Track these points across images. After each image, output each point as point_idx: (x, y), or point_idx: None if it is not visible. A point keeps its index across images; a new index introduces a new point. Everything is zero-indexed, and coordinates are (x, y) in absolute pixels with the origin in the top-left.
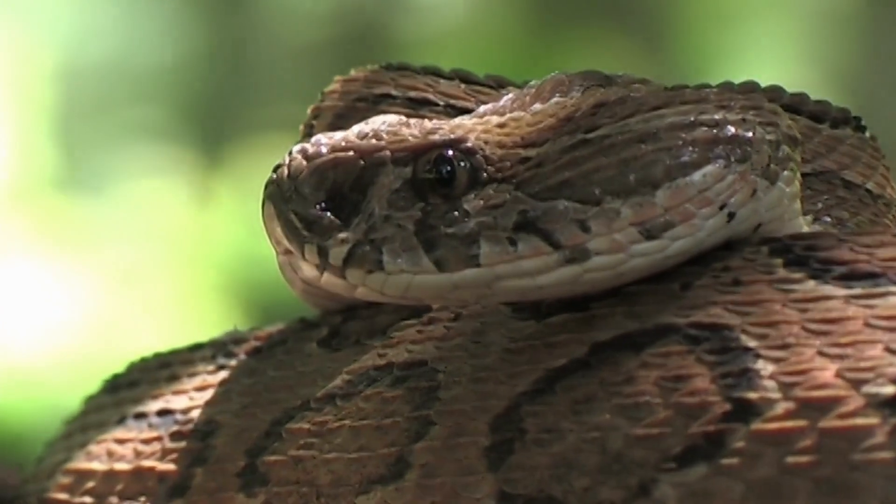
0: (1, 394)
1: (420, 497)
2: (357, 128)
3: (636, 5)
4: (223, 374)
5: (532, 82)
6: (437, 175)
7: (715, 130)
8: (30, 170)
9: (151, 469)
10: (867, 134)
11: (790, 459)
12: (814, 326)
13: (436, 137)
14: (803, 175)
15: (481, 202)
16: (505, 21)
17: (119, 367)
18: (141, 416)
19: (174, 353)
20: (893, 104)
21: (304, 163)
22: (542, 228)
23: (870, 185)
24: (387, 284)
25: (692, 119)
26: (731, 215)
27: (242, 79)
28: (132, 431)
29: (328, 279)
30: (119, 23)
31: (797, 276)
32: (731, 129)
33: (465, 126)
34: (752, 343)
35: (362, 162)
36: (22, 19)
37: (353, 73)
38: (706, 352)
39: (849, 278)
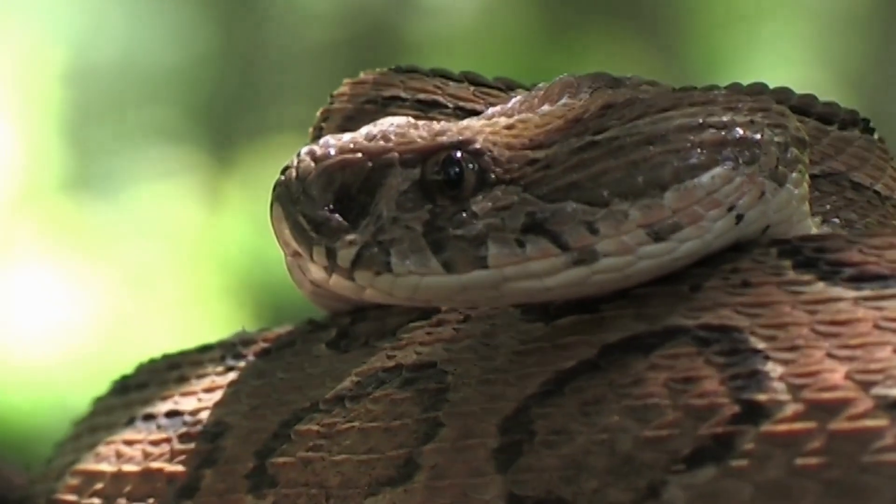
0: (10, 394)
1: (429, 499)
2: (365, 129)
3: (647, 7)
4: (232, 376)
5: (540, 84)
6: (445, 176)
7: (723, 132)
8: (40, 171)
9: (160, 470)
10: (876, 136)
11: (799, 461)
12: (823, 328)
13: (444, 139)
14: (812, 177)
15: (489, 204)
16: (515, 22)
17: (128, 368)
18: (150, 417)
19: (183, 355)
20: None
21: (313, 164)
22: (551, 230)
23: (878, 187)
24: (395, 286)
25: (700, 121)
26: (739, 217)
27: (253, 80)
28: (141, 433)
29: (336, 281)
30: (129, 24)
31: (806, 277)
32: (740, 131)
33: (473, 128)
34: (761, 345)
35: (370, 163)
36: (32, 20)
37: (361, 75)
38: (715, 353)
39: (858, 280)
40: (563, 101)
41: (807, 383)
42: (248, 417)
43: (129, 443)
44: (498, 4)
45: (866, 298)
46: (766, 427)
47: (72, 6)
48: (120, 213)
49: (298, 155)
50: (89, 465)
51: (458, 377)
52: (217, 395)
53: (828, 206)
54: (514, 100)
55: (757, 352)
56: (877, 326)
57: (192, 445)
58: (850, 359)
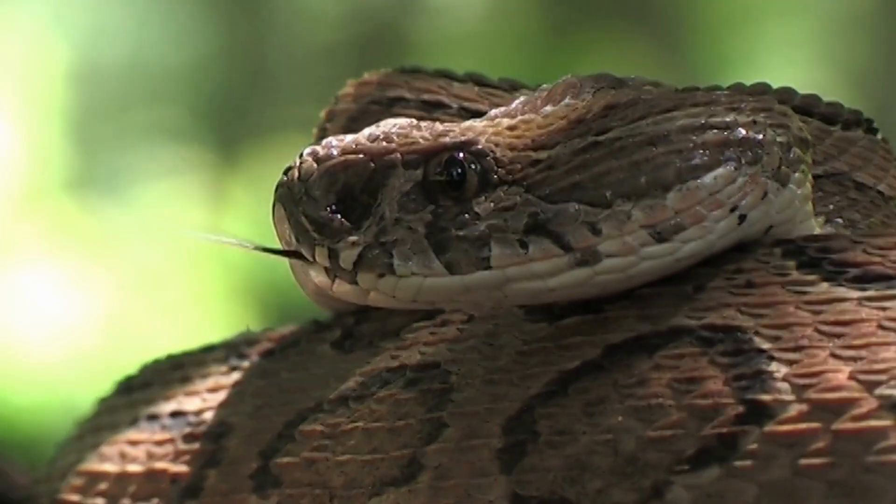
0: (14, 394)
1: (433, 499)
2: (368, 130)
3: (652, 7)
4: (236, 376)
5: (544, 85)
6: (447, 177)
7: (725, 133)
8: (44, 171)
9: (164, 471)
10: (879, 136)
11: (803, 461)
12: (827, 328)
13: (446, 140)
14: (815, 177)
15: (492, 204)
16: (520, 22)
17: (132, 368)
18: (153, 417)
19: (187, 355)
20: None
21: (315, 165)
22: (553, 231)
23: (882, 187)
24: (398, 288)
25: (703, 121)
26: (742, 217)
27: (258, 79)
28: (145, 433)
29: (340, 287)
30: (134, 23)
31: (810, 278)
32: (742, 132)
33: (475, 128)
34: (765, 345)
35: (373, 164)
36: (37, 19)
37: (366, 76)
38: (719, 354)
39: (862, 280)
40: (566, 101)
41: (811, 383)
42: (252, 417)
43: (133, 443)
44: (503, 4)
45: (870, 299)
46: (771, 427)
47: (76, 5)
48: (124, 212)
49: (301, 156)
50: (93, 465)
51: (461, 377)
52: (221, 396)
53: (831, 207)
54: (516, 101)
55: (761, 352)
56: (881, 327)
57: (195, 446)
58: (855, 359)
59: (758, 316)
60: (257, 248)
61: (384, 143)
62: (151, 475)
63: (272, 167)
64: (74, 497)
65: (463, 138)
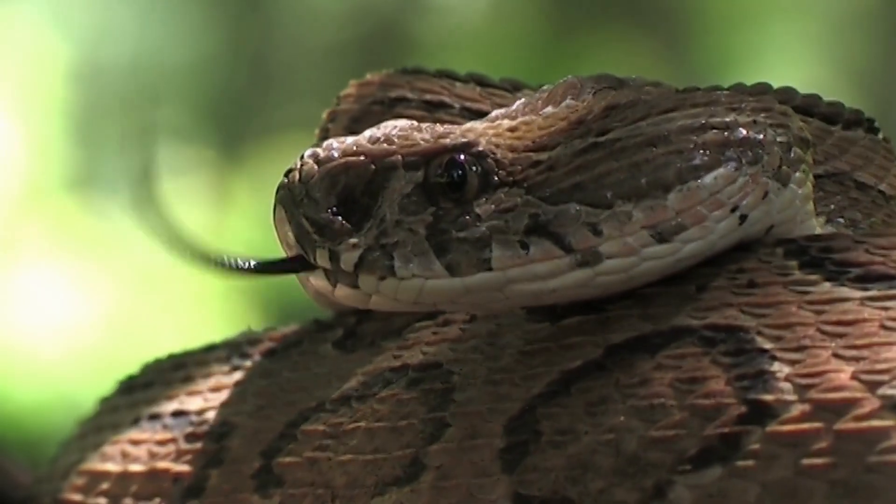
0: (17, 393)
1: (435, 499)
2: (369, 132)
3: (655, 6)
4: (238, 375)
5: (545, 86)
6: (448, 179)
7: (726, 133)
8: (47, 170)
9: (166, 470)
10: (880, 135)
11: (806, 461)
12: (829, 328)
13: (447, 141)
14: (816, 177)
15: (493, 206)
16: (523, 22)
17: (134, 367)
18: (155, 417)
19: (189, 354)
20: None
21: (316, 167)
22: (554, 232)
23: (883, 187)
24: (399, 290)
25: (703, 122)
26: (742, 217)
27: (261, 79)
28: (147, 433)
29: (341, 291)
30: (137, 22)
31: (813, 277)
32: (742, 132)
33: (476, 130)
34: (767, 345)
35: (373, 166)
36: (39, 18)
37: (368, 76)
38: (721, 354)
39: (864, 280)
40: (567, 102)
41: (813, 383)
42: (254, 417)
43: (135, 442)
44: (506, 4)
45: (873, 299)
46: (773, 427)
47: (78, 4)
48: (126, 211)
49: (301, 157)
50: (95, 464)
51: (464, 377)
52: (223, 395)
53: (832, 206)
54: (517, 102)
55: (763, 352)
56: (883, 327)
57: (197, 445)
58: (857, 359)
59: (760, 316)
60: (257, 268)
61: (385, 145)
62: (153, 475)
63: (275, 166)
64: (76, 496)
65: (463, 140)
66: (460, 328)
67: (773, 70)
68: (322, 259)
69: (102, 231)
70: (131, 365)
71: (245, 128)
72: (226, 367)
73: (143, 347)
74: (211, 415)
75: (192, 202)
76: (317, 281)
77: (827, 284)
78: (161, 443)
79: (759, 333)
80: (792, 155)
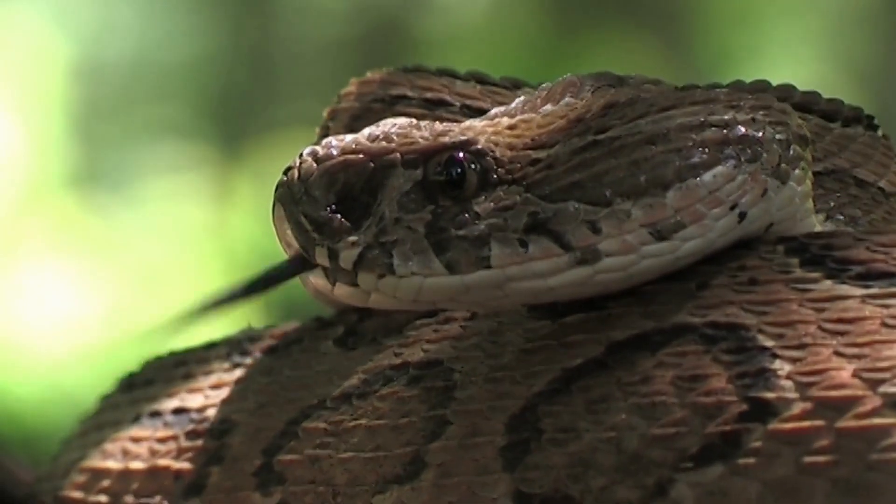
0: (19, 390)
1: (436, 497)
2: (367, 130)
3: (656, 5)
4: (239, 373)
5: (544, 84)
6: (447, 177)
7: (725, 131)
8: (49, 167)
9: (167, 468)
10: (879, 132)
11: (807, 459)
12: (830, 326)
13: (446, 139)
14: (815, 174)
15: (492, 204)
16: (525, 20)
17: (136, 364)
18: (156, 414)
19: (189, 352)
20: None
21: (315, 165)
22: (553, 230)
23: (882, 183)
24: (398, 288)
25: (702, 120)
26: (742, 215)
27: (262, 76)
28: (147, 430)
29: (340, 290)
30: (139, 19)
31: (814, 275)
32: (741, 130)
33: (475, 128)
34: (768, 343)
35: (372, 164)
36: (41, 16)
37: (368, 74)
38: (723, 351)
39: (865, 278)
40: (566, 100)
41: (814, 381)
42: (255, 415)
43: (136, 440)
44: (508, 2)
45: (874, 296)
46: (774, 425)
47: (80, 2)
48: (128, 208)
49: (300, 155)
50: (96, 462)
51: (465, 375)
52: (224, 393)
53: (832, 203)
54: (516, 100)
55: (764, 349)
56: (884, 324)
57: (199, 443)
58: (858, 357)
59: (761, 313)
60: (260, 284)
61: (384, 143)
62: (154, 472)
63: (277, 163)
64: (77, 494)
65: (462, 138)
66: (461, 326)
67: (775, 68)
68: (321, 257)
69: (104, 228)
70: (132, 362)
71: (247, 125)
72: (226, 365)
73: (145, 344)
74: (212, 412)
75: (193, 199)
76: (316, 279)
77: (828, 282)
78: (162, 440)
79: (761, 331)
80: (791, 152)
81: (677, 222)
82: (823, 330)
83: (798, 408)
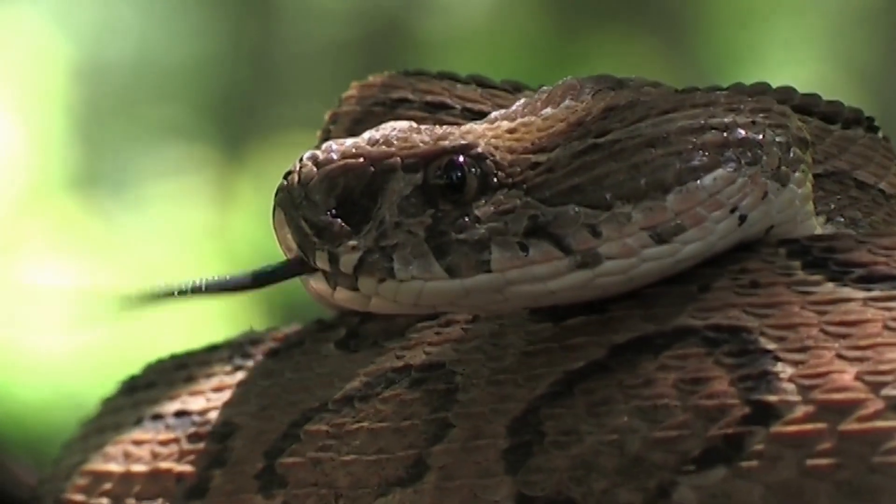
0: (21, 392)
1: (439, 499)
2: (368, 134)
3: (658, 6)
4: (240, 376)
5: (544, 87)
6: (447, 181)
7: (725, 134)
8: (50, 168)
9: (169, 471)
10: (879, 134)
11: (810, 462)
12: (833, 329)
13: (446, 143)
14: (815, 176)
15: (492, 208)
16: (527, 21)
17: (138, 366)
18: (158, 417)
19: (191, 355)
20: None
21: (315, 169)
22: (553, 233)
23: (883, 185)
24: (399, 292)
25: (702, 122)
26: (742, 218)
27: (264, 77)
28: (149, 433)
29: (341, 294)
30: (140, 21)
31: (816, 278)
32: (741, 132)
33: (475, 132)
34: (770, 345)
35: (372, 168)
36: (42, 16)
37: (370, 78)
38: (725, 354)
39: (868, 280)
40: (566, 103)
41: (817, 384)
42: (257, 417)
43: (138, 443)
44: (511, 4)
45: (876, 299)
46: (777, 428)
47: (82, 3)
48: (129, 210)
49: (300, 160)
50: (97, 465)
51: (466, 378)
52: (225, 395)
53: (832, 205)
54: (517, 103)
55: (766, 352)
56: (886, 327)
57: (200, 445)
58: (860, 360)
59: (763, 316)
60: (257, 281)
61: (384, 147)
62: (156, 475)
63: (278, 165)
64: (79, 497)
65: (462, 142)
66: (463, 328)
67: (778, 70)
68: (321, 261)
69: (104, 230)
70: (134, 365)
71: (248, 126)
72: (228, 367)
73: (147, 346)
74: (213, 415)
75: (194, 201)
76: (316, 283)
77: (830, 285)
78: (164, 443)
79: (763, 334)
80: (791, 155)
81: (677, 225)
82: (825, 333)
83: (800, 411)
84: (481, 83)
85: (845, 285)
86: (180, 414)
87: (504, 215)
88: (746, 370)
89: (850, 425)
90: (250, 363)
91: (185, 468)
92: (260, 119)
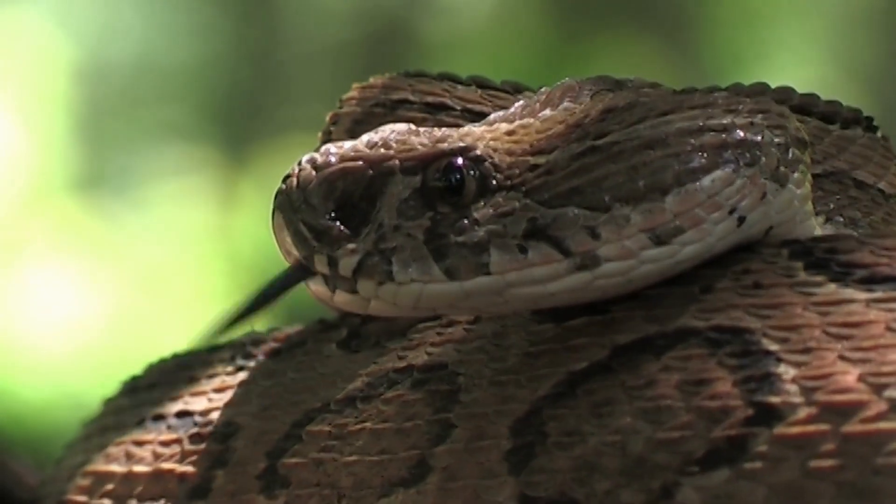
0: (23, 392)
1: (441, 500)
2: (366, 137)
3: (660, 7)
4: (242, 376)
5: (543, 89)
6: (446, 183)
7: (723, 135)
8: (53, 169)
9: (171, 471)
10: (879, 133)
11: (813, 463)
12: (835, 330)
13: (445, 146)
14: (814, 176)
15: (491, 210)
16: (529, 22)
17: (139, 366)
18: (160, 417)
19: (193, 355)
20: None
21: (313, 172)
22: (552, 236)
23: (882, 185)
24: (398, 295)
25: (700, 124)
26: (741, 219)
27: (267, 78)
28: (151, 433)
29: (340, 297)
30: (143, 21)
31: (818, 279)
32: (740, 133)
33: (474, 134)
34: (773, 347)
35: (371, 171)
36: (45, 17)
37: (370, 80)
38: (727, 355)
39: (870, 282)
40: (565, 105)
41: (819, 385)
42: (259, 418)
43: (140, 443)
44: (513, 5)
45: (878, 300)
46: (780, 429)
47: (84, 4)
48: (131, 211)
49: (299, 163)
50: (99, 465)
51: (469, 378)
52: (227, 396)
53: (831, 205)
54: (515, 105)
55: (769, 353)
56: (889, 328)
57: (202, 446)
58: (863, 361)
59: (765, 317)
60: (262, 299)
61: (382, 150)
62: (158, 476)
63: (281, 166)
64: (81, 498)
65: (461, 144)
66: (465, 329)
67: (780, 71)
68: (321, 265)
69: (107, 231)
70: (139, 364)
71: (251, 128)
72: (230, 368)
73: (149, 347)
74: (215, 415)
75: (197, 202)
76: (316, 287)
77: (832, 286)
78: (166, 443)
79: (765, 335)
80: (790, 155)
81: (676, 227)
82: (828, 334)
83: (803, 412)
84: (482, 84)
85: (848, 286)
86: (182, 414)
87: (503, 217)
88: (749, 371)
89: (852, 427)
90: (252, 363)
91: (188, 469)
92: (262, 120)
